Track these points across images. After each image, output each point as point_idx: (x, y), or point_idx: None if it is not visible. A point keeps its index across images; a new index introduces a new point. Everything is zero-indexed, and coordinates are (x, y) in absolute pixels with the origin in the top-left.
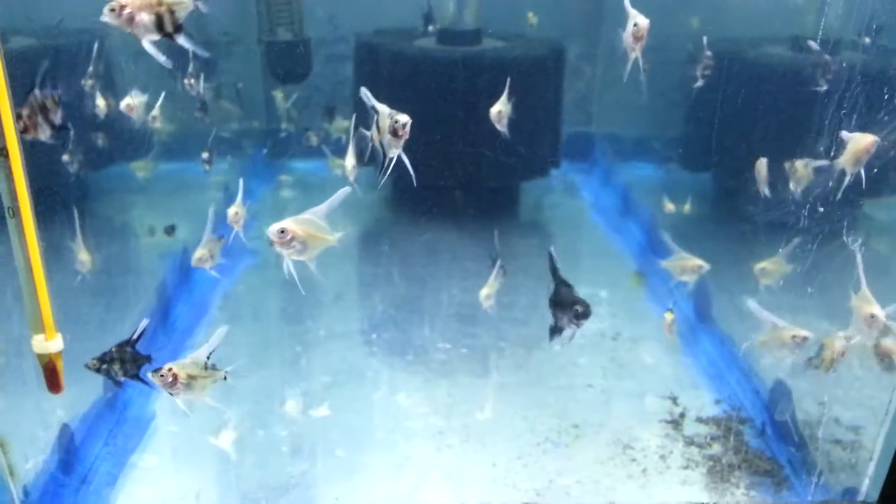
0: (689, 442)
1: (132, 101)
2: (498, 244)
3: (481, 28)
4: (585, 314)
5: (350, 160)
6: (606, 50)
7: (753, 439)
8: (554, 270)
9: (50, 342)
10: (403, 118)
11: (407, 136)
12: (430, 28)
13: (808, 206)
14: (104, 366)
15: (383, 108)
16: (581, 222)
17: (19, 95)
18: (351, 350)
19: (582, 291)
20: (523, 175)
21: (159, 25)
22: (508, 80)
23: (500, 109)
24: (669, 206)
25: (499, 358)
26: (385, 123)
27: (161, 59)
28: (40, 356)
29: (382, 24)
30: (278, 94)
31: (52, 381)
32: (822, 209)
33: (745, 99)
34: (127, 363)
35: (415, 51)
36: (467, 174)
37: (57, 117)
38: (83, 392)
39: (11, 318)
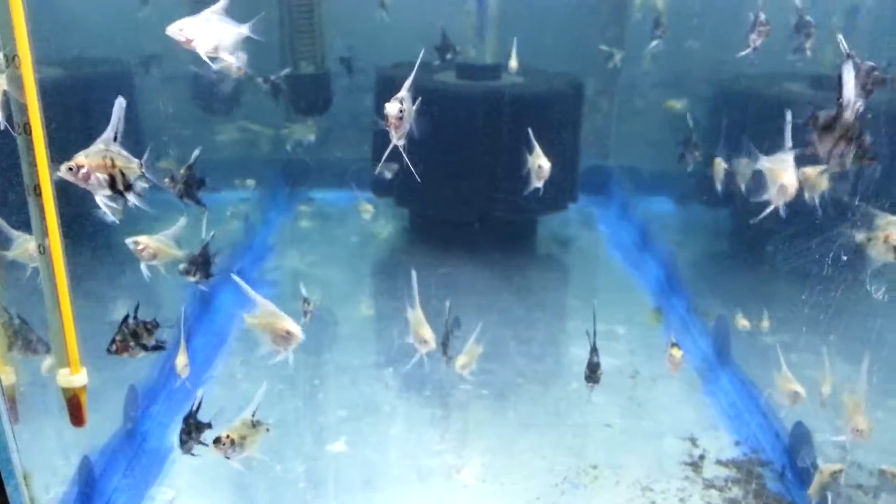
0: (709, 485)
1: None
2: (453, 316)
3: (501, 63)
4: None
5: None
6: (624, 84)
7: (773, 483)
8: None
9: (75, 376)
10: (388, 107)
11: (400, 126)
12: (448, 57)
13: (830, 256)
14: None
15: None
16: (598, 256)
17: (50, 128)
18: (368, 384)
19: (600, 327)
20: (541, 209)
21: (112, 184)
22: (530, 130)
23: (540, 164)
24: (743, 322)
25: (516, 395)
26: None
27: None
28: (65, 390)
29: (403, 58)
30: (294, 128)
31: (76, 414)
32: (844, 257)
33: (763, 136)
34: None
35: (435, 85)
36: (485, 207)
37: None
38: (103, 423)
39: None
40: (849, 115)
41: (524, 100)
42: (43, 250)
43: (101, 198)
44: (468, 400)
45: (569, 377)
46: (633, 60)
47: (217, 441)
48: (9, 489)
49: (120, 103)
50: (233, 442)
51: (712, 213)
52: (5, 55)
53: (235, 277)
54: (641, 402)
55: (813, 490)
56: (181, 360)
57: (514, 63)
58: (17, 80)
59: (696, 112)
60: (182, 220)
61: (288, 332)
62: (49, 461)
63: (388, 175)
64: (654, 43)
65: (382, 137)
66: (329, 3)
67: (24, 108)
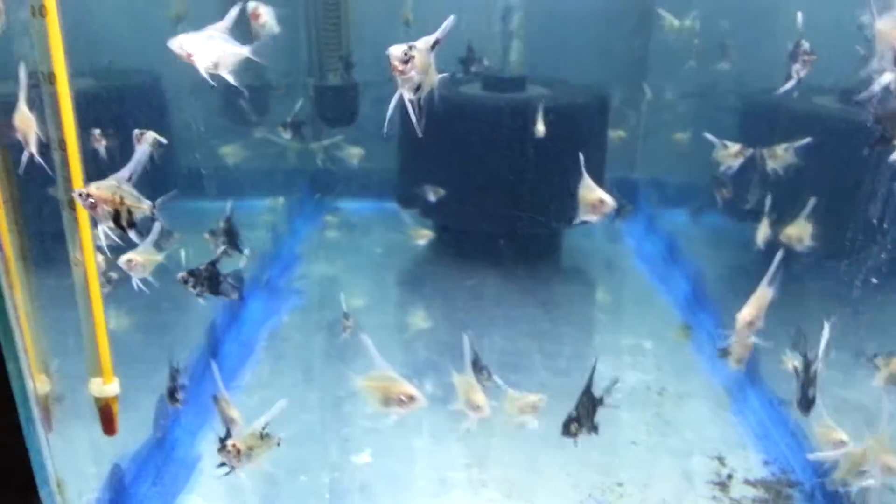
0: None
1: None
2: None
3: (527, 75)
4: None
5: None
6: (651, 96)
7: None
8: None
9: (107, 386)
10: (392, 50)
11: (405, 73)
12: (472, 69)
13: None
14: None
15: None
16: (625, 269)
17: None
18: None
19: (626, 341)
20: (566, 220)
21: (116, 219)
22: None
23: (601, 198)
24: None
25: (542, 409)
26: None
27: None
28: (97, 399)
29: None
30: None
31: (108, 424)
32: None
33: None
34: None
35: (460, 97)
36: (510, 219)
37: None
38: (133, 431)
39: (68, 358)
40: None
41: (550, 112)
42: (77, 263)
43: (104, 227)
44: (494, 414)
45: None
46: (659, 73)
47: (222, 448)
48: (43, 495)
49: (144, 150)
50: (238, 452)
51: (741, 227)
52: (42, 73)
53: (364, 339)
54: (669, 420)
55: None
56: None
57: (540, 127)
58: (53, 97)
59: (725, 123)
60: (157, 226)
61: (409, 397)
62: (81, 468)
63: (432, 197)
64: (689, 64)
65: (406, 147)
66: (355, 18)
67: (59, 125)
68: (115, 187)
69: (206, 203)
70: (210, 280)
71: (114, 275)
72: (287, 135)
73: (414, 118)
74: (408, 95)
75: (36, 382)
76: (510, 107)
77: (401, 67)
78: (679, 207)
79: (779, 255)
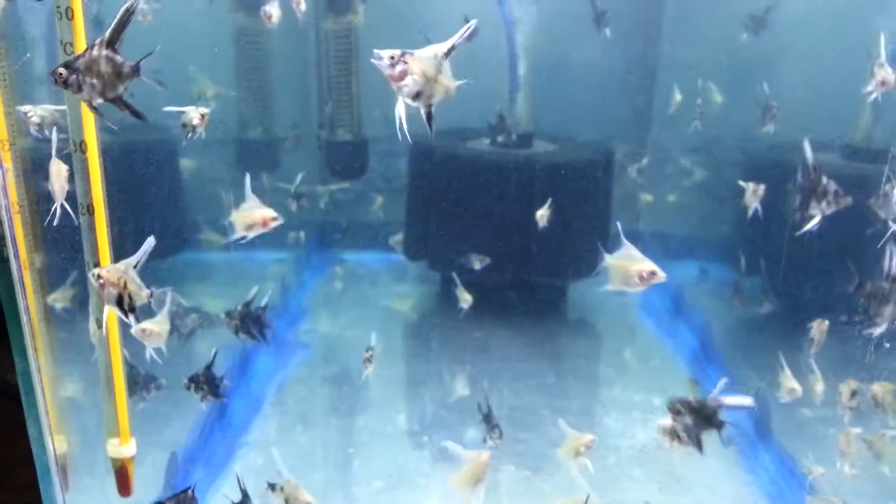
0: None
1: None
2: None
3: (533, 132)
4: None
5: None
6: (654, 149)
7: None
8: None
9: (124, 447)
10: (380, 54)
11: (401, 81)
12: (500, 139)
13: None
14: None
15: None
16: (631, 323)
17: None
18: (402, 453)
19: (635, 397)
20: (573, 273)
21: (119, 301)
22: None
23: (652, 270)
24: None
25: (551, 467)
26: None
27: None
28: (114, 460)
29: (437, 125)
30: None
31: (123, 484)
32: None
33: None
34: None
35: (468, 152)
36: (517, 272)
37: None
38: (146, 488)
39: (85, 418)
40: None
41: (556, 168)
42: (100, 325)
43: (113, 307)
44: (504, 473)
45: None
46: (662, 126)
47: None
48: None
49: (150, 241)
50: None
51: (747, 280)
52: (74, 141)
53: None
54: (680, 479)
55: None
56: None
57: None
58: (83, 164)
59: (727, 177)
60: (170, 296)
61: None
62: None
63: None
64: (693, 126)
65: (414, 199)
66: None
67: (88, 191)
68: (122, 272)
69: (213, 254)
70: (208, 383)
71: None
72: (293, 206)
73: (401, 125)
74: (403, 105)
75: (54, 443)
76: (518, 162)
77: (387, 72)
78: (684, 260)
79: None
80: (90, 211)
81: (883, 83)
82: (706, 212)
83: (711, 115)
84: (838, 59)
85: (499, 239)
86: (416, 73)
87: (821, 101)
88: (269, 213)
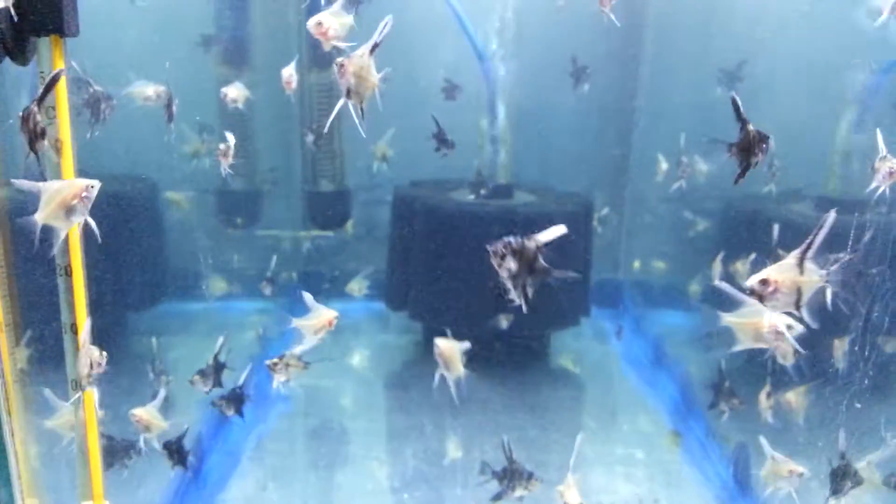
0: None
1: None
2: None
3: (513, 183)
4: None
5: None
6: (632, 198)
7: None
8: None
9: None
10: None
11: (352, 80)
12: (482, 192)
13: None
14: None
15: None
16: (612, 373)
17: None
18: None
19: (618, 450)
20: (555, 324)
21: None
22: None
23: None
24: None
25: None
26: None
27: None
28: None
29: (419, 175)
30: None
31: None
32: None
33: (768, 254)
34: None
35: (450, 204)
36: (498, 322)
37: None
38: None
39: (61, 484)
40: None
41: (536, 218)
42: (76, 385)
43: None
44: None
45: None
46: (641, 175)
47: None
48: None
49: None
50: None
51: (727, 328)
52: (59, 265)
53: None
54: None
55: None
56: None
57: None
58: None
59: (704, 226)
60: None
61: None
62: None
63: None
64: (677, 185)
65: (396, 250)
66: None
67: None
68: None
69: (197, 304)
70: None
71: None
72: (267, 290)
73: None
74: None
75: None
76: (498, 213)
77: (340, 70)
78: (664, 308)
79: None
80: (68, 272)
81: (891, 174)
82: (686, 261)
83: (690, 166)
84: (811, 112)
85: (480, 289)
86: (349, 72)
87: (794, 153)
88: (332, 313)
